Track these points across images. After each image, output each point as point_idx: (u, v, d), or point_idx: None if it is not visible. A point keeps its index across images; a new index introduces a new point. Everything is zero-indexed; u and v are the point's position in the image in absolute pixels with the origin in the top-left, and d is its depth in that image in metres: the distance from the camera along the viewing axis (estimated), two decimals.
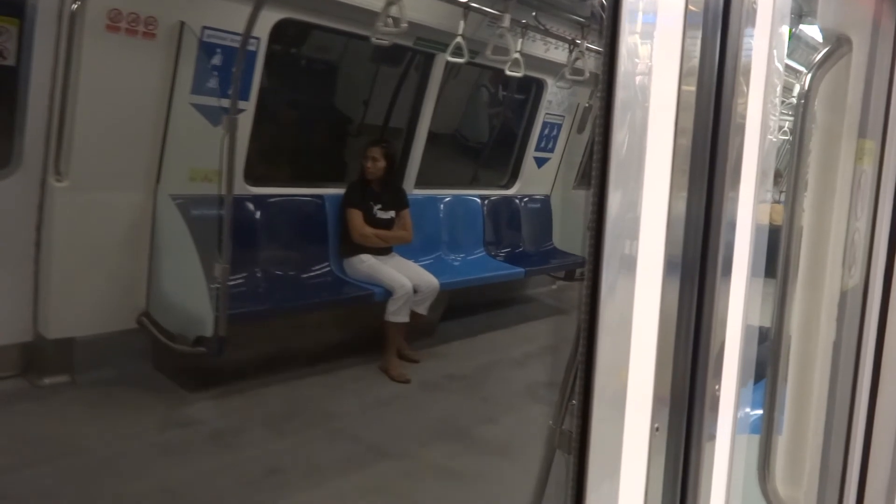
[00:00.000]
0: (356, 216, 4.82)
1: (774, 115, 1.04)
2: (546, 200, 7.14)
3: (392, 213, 5.00)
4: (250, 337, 4.13)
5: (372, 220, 4.88)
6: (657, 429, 0.85)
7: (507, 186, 6.86)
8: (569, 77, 5.54)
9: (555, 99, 6.65)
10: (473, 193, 6.42)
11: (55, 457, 3.15)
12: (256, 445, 3.48)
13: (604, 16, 0.78)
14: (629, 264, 0.82)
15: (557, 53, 5.76)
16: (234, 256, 3.76)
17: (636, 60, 0.80)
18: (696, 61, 0.84)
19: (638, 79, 0.80)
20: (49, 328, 3.73)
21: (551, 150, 7.03)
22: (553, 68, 5.93)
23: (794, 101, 1.67)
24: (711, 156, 0.88)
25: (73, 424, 3.46)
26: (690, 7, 0.82)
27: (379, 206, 4.93)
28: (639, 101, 0.80)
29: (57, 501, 2.87)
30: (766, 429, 1.69)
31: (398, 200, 5.08)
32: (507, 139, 6.93)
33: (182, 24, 3.78)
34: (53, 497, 2.88)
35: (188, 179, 4.04)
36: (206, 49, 3.94)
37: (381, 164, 4.90)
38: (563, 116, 6.93)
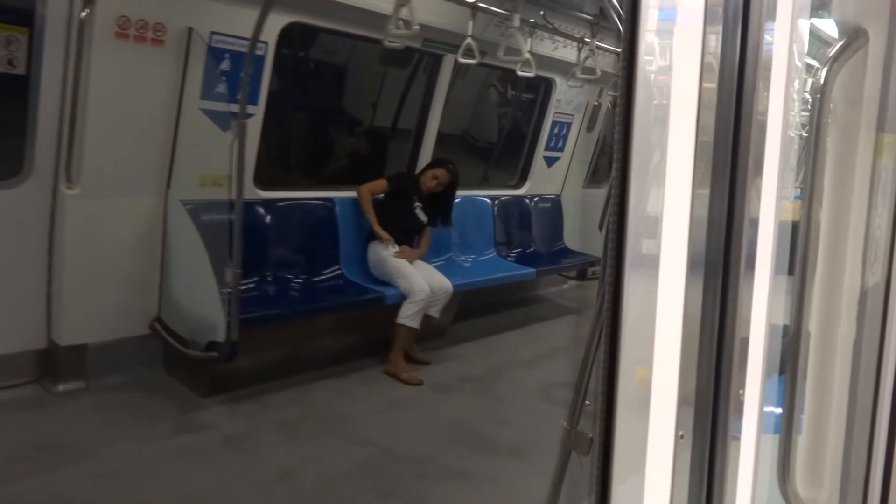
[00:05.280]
0: (379, 182, 4.89)
1: (794, 111, 1.02)
2: (556, 200, 7.12)
3: (425, 219, 5.03)
4: (262, 341, 4.13)
5: (408, 215, 4.92)
6: (682, 436, 0.83)
7: (517, 186, 6.85)
8: (580, 76, 5.52)
9: (564, 98, 6.62)
10: (483, 194, 6.39)
11: (70, 462, 3.16)
12: (269, 449, 3.48)
13: (619, 14, 0.77)
14: (652, 263, 0.80)
15: (566, 52, 5.73)
16: (245, 261, 3.76)
17: (656, 58, 0.79)
18: (716, 57, 0.83)
19: (658, 76, 0.79)
20: (62, 335, 3.75)
21: (561, 150, 7.01)
22: (562, 67, 5.91)
23: (809, 95, 1.65)
24: (733, 153, 0.86)
25: (87, 430, 3.46)
26: (710, 2, 0.81)
27: (420, 205, 4.97)
28: (659, 99, 0.79)
29: None
30: (786, 429, 1.66)
31: (433, 215, 5.11)
32: (516, 139, 6.91)
33: (190, 29, 3.79)
34: (69, 503, 2.89)
35: (198, 184, 4.05)
36: (215, 54, 3.94)
37: (445, 181, 5.04)
38: (573, 115, 6.90)
